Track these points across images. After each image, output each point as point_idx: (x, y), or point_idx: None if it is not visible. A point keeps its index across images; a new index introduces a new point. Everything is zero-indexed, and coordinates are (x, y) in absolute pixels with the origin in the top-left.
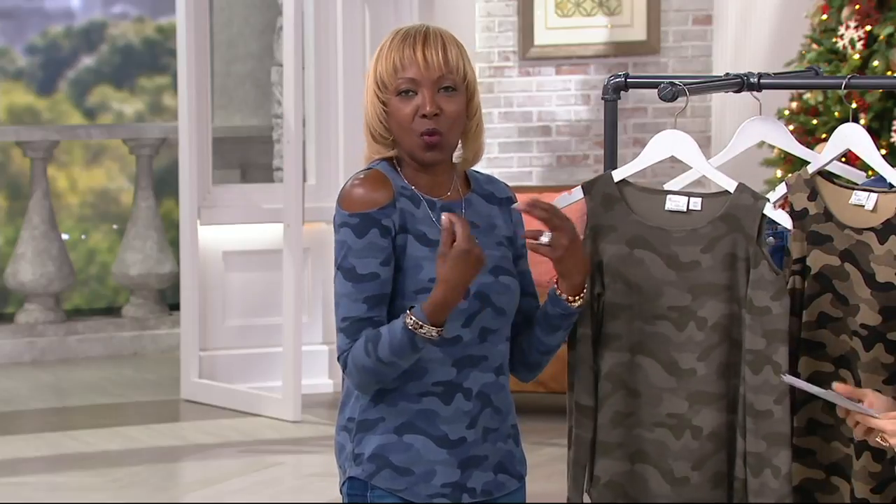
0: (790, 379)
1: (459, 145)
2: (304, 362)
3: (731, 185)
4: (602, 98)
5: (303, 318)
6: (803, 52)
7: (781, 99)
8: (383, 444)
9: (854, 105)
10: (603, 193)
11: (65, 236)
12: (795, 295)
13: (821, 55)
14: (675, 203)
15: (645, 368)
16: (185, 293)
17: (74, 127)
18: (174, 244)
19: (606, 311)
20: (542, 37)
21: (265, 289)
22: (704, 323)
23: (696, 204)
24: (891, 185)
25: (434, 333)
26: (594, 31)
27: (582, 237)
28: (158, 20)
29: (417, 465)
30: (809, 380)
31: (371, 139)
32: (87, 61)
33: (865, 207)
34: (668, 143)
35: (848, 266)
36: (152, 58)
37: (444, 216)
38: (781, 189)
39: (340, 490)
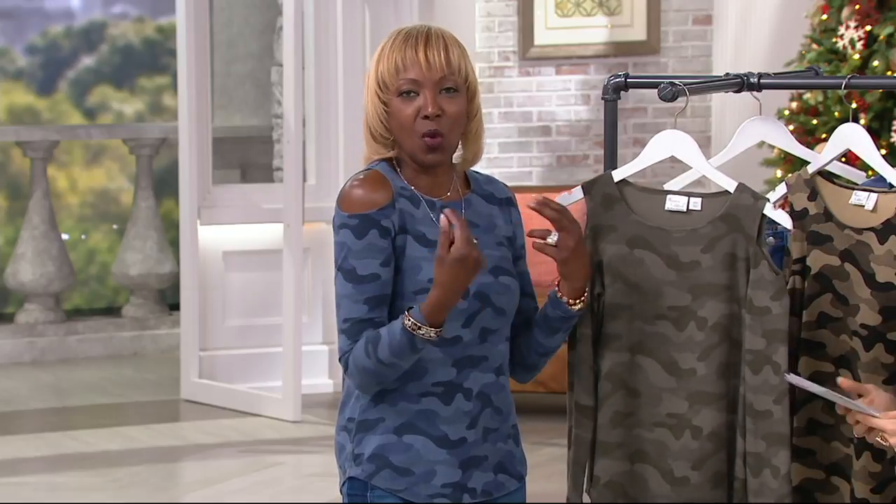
0: (794, 378)
1: (459, 146)
2: (304, 362)
3: (731, 185)
4: (602, 98)
5: (303, 318)
6: (803, 52)
7: (781, 99)
8: (383, 445)
9: (854, 105)
10: (603, 193)
11: (65, 236)
12: (795, 295)
13: (821, 55)
14: (675, 203)
15: (645, 368)
16: (185, 293)
17: (74, 127)
18: (174, 244)
19: (606, 310)
20: (542, 37)
21: (265, 289)
22: (704, 323)
23: (696, 204)
24: (891, 185)
25: (433, 334)
26: (594, 31)
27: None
28: (158, 20)
29: (417, 465)
30: (809, 380)
31: (371, 139)
32: (87, 61)
33: (865, 207)
34: (668, 143)
35: (848, 266)
36: (152, 58)
37: (443, 215)
38: (781, 189)
39: (340, 490)
